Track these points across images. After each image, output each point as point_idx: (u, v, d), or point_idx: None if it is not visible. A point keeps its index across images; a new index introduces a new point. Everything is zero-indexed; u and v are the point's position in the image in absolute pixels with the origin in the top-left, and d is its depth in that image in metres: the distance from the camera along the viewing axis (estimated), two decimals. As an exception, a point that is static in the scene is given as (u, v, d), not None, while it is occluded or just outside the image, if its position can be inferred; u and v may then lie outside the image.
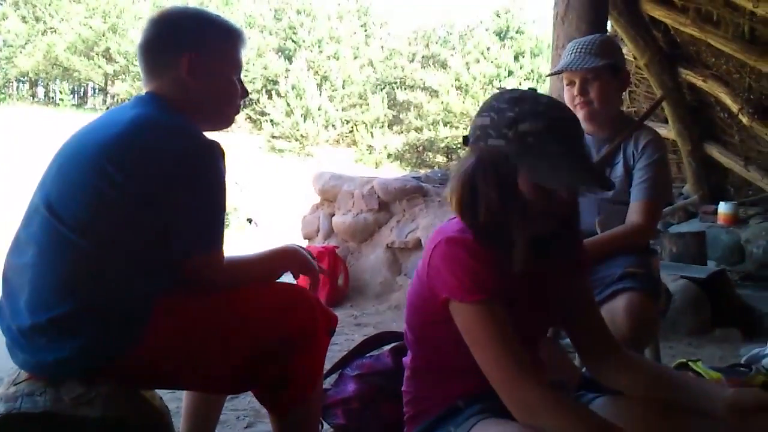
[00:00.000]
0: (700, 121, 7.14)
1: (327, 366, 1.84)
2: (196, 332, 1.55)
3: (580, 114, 2.27)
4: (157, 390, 1.71)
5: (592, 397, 1.50)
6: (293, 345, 1.65)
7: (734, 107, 6.47)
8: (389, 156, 28.98)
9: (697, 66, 6.66)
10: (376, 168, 26.29)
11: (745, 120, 6.44)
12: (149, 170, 1.48)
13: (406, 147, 29.71)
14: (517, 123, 1.29)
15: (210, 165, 1.54)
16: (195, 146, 1.53)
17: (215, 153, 1.54)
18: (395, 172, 22.73)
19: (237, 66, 1.73)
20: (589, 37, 2.34)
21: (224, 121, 1.75)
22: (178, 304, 1.54)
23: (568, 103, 2.29)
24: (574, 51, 2.28)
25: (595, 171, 1.36)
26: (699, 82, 6.68)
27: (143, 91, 1.69)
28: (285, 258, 1.84)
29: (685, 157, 7.35)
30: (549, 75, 2.63)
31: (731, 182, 7.39)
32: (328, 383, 2.12)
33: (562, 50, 4.37)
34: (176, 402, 2.16)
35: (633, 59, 6.79)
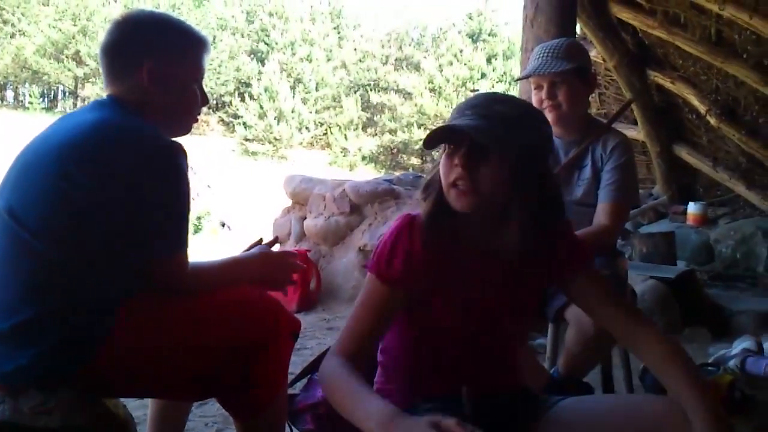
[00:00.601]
0: (668, 122, 7.21)
1: (295, 370, 1.83)
2: (157, 339, 1.53)
3: (549, 117, 2.27)
4: (124, 397, 1.69)
5: (557, 400, 1.49)
6: (255, 350, 1.64)
7: (702, 108, 6.54)
8: (363, 158, 28.99)
9: (665, 68, 6.73)
10: (350, 170, 26.27)
11: (712, 121, 6.51)
12: (111, 173, 1.46)
13: (381, 149, 29.74)
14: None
15: (172, 166, 1.52)
16: (156, 148, 1.51)
17: (177, 154, 1.53)
18: (369, 174, 22.74)
19: (198, 73, 1.73)
20: (556, 41, 2.36)
21: (182, 128, 1.74)
22: (140, 310, 1.52)
23: (536, 106, 2.30)
24: (541, 55, 2.29)
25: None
26: (667, 83, 6.75)
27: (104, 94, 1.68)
28: (256, 265, 1.82)
29: (654, 158, 7.42)
30: (518, 80, 2.64)
31: (700, 183, 7.48)
32: (297, 388, 2.11)
33: (531, 53, 4.43)
34: (144, 409, 2.13)
35: (602, 61, 6.85)
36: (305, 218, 5.34)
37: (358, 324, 1.41)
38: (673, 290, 4.16)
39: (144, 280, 1.53)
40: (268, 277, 1.84)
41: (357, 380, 1.31)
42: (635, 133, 7.48)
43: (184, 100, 1.70)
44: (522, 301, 1.54)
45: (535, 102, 2.34)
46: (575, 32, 4.78)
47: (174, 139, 1.58)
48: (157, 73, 1.62)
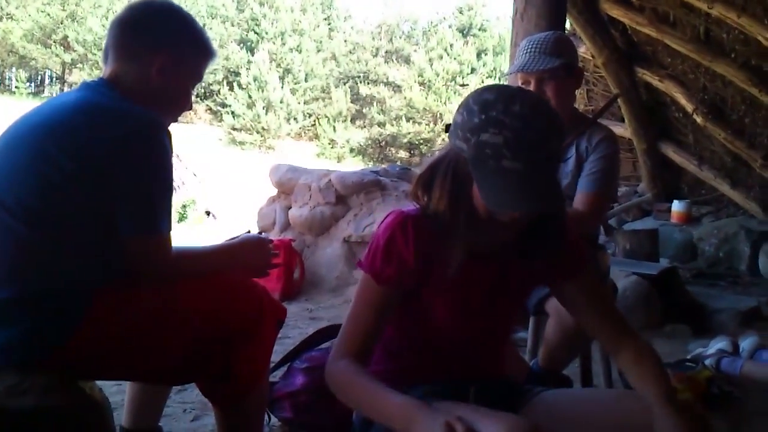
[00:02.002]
0: (655, 120, 7.25)
1: (276, 359, 1.82)
2: (136, 323, 1.52)
3: None
4: (104, 381, 1.68)
5: (538, 391, 1.50)
6: (238, 338, 1.63)
7: (689, 107, 6.58)
8: (351, 151, 28.94)
9: (653, 66, 6.76)
10: (338, 162, 26.21)
11: (699, 120, 6.55)
12: (94, 153, 1.45)
13: (369, 142, 29.69)
14: (480, 131, 1.24)
15: (154, 145, 1.51)
16: (139, 126, 1.50)
17: (160, 132, 1.52)
18: (357, 167, 22.70)
19: (198, 79, 1.74)
20: (543, 35, 2.32)
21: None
22: (119, 294, 1.51)
23: None
24: (529, 50, 2.26)
25: (541, 198, 1.27)
26: (655, 81, 6.78)
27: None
28: (238, 252, 1.81)
29: (640, 155, 7.46)
30: (505, 75, 2.59)
31: (685, 181, 7.53)
32: (276, 376, 2.10)
33: (518, 47, 4.43)
34: (122, 395, 2.11)
35: (591, 58, 6.87)
36: (290, 208, 5.31)
37: (358, 324, 1.40)
38: (656, 287, 4.18)
39: (126, 264, 1.51)
40: (250, 262, 1.83)
41: (370, 378, 1.31)
42: (622, 130, 7.51)
43: (176, 99, 1.71)
44: (514, 299, 1.54)
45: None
46: (565, 27, 4.77)
47: None
48: (167, 69, 1.62)
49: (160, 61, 1.60)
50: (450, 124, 1.35)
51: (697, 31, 5.90)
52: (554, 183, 1.31)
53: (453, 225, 1.33)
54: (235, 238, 1.87)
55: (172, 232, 1.57)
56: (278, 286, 4.68)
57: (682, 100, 6.63)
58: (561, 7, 4.29)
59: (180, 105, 1.72)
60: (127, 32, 1.63)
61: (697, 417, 1.28)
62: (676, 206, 6.68)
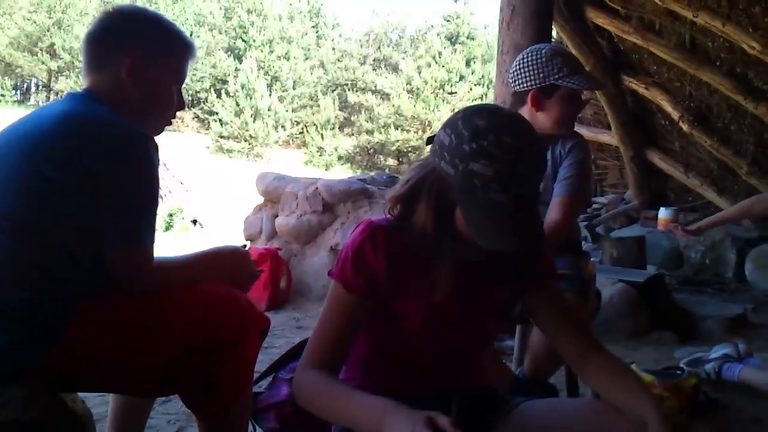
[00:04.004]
0: (642, 128, 7.29)
1: (262, 369, 1.80)
2: (119, 335, 1.49)
3: (568, 126, 2.33)
4: (88, 393, 1.66)
5: (518, 402, 1.48)
6: (221, 349, 1.60)
7: (675, 115, 6.62)
8: (340, 158, 28.95)
9: (639, 73, 6.80)
10: (326, 170, 26.22)
11: (685, 127, 6.59)
12: (80, 164, 1.43)
13: (357, 149, 29.73)
14: (469, 160, 1.22)
15: (138, 156, 1.49)
16: (125, 138, 1.48)
17: (147, 145, 1.50)
18: (345, 174, 22.69)
19: (179, 77, 1.71)
20: (563, 48, 2.35)
21: (152, 128, 1.70)
22: (101, 305, 1.48)
23: (565, 116, 2.30)
24: (579, 66, 2.29)
25: (527, 237, 1.27)
26: (641, 89, 6.82)
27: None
28: (218, 260, 1.79)
29: (627, 163, 7.50)
30: (582, 89, 2.41)
31: (672, 188, 7.56)
32: (261, 387, 2.07)
33: (507, 55, 4.42)
34: (106, 406, 2.09)
35: (578, 65, 6.89)
36: (277, 216, 5.28)
37: (327, 333, 1.38)
38: (642, 294, 4.18)
39: (108, 275, 1.49)
40: (228, 272, 1.81)
41: (340, 384, 1.31)
42: (609, 137, 7.55)
43: (159, 101, 1.68)
44: (487, 309, 1.53)
45: (566, 113, 2.29)
46: (551, 36, 4.78)
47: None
48: (137, 70, 1.59)
49: (127, 64, 1.58)
50: (432, 137, 1.34)
51: (683, 39, 5.94)
52: (538, 219, 1.31)
53: (437, 246, 1.33)
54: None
55: (155, 244, 1.55)
56: (265, 296, 4.65)
57: (668, 108, 6.67)
58: (547, 16, 4.30)
59: (164, 104, 1.70)
60: (92, 43, 1.63)
61: None
62: (663, 213, 6.68)
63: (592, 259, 2.75)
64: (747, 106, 5.75)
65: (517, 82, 2.27)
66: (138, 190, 1.50)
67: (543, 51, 2.24)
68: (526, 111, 2.27)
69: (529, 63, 2.23)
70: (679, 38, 5.96)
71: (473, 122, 1.25)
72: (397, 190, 1.38)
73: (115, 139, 1.47)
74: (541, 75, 2.21)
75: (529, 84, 2.24)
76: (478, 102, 26.27)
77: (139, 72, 1.60)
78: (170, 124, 1.79)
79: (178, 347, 1.56)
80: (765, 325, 4.37)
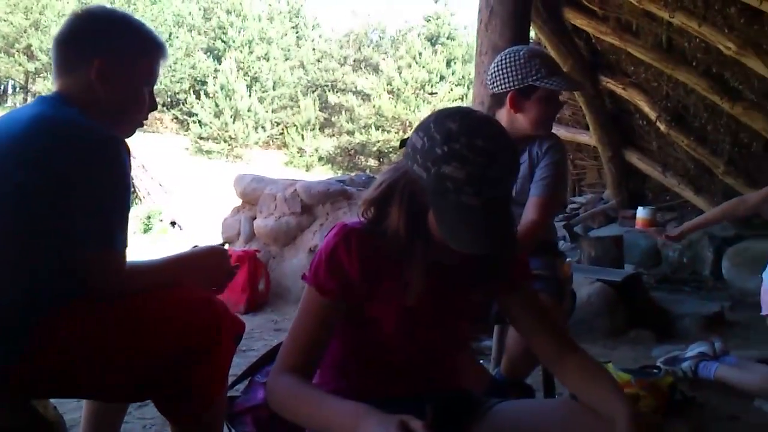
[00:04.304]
0: (620, 128, 7.34)
1: (239, 372, 1.78)
2: (91, 340, 1.47)
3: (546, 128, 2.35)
4: (57, 398, 1.64)
5: (493, 404, 1.48)
6: (195, 354, 1.58)
7: (652, 115, 6.66)
8: (320, 159, 28.89)
9: (617, 74, 6.83)
10: (306, 171, 26.15)
11: (662, 127, 6.63)
12: (51, 168, 1.41)
13: (338, 150, 29.68)
14: (441, 163, 1.21)
15: (112, 161, 1.47)
16: (96, 142, 1.47)
17: (118, 148, 1.48)
18: (326, 175, 22.64)
19: (150, 78, 1.69)
20: (541, 50, 2.37)
21: (124, 130, 1.68)
22: (73, 310, 1.46)
23: (543, 118, 2.32)
24: (557, 67, 2.30)
25: (498, 237, 1.27)
26: (619, 89, 6.86)
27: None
28: (195, 261, 1.78)
29: (605, 163, 7.54)
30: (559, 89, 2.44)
31: (649, 187, 7.62)
32: (238, 390, 2.06)
33: (486, 56, 4.43)
34: (80, 411, 2.06)
35: (556, 66, 6.91)
36: (255, 218, 5.26)
37: (301, 337, 1.38)
38: (620, 293, 4.21)
39: (81, 281, 1.47)
40: (206, 274, 1.79)
41: (313, 388, 1.30)
42: (587, 138, 7.59)
43: (130, 103, 1.67)
44: (461, 311, 1.52)
45: (544, 114, 2.30)
46: (529, 37, 4.80)
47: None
48: (107, 72, 1.58)
49: (96, 66, 1.57)
50: (406, 140, 1.33)
51: (660, 39, 5.97)
52: (511, 222, 1.30)
53: (410, 248, 1.32)
54: (195, 247, 1.84)
55: (128, 248, 1.54)
56: (243, 298, 4.63)
57: (646, 108, 6.72)
58: (525, 17, 4.32)
59: (138, 108, 1.68)
60: (61, 45, 1.62)
61: None
62: (641, 213, 6.72)
63: (568, 259, 2.75)
64: (723, 106, 5.79)
65: (495, 84, 2.27)
66: (110, 194, 1.48)
67: (521, 52, 2.25)
68: (504, 112, 2.28)
69: (508, 64, 2.24)
70: (656, 39, 5.99)
71: (445, 125, 1.24)
72: (370, 194, 1.37)
73: (86, 142, 1.46)
74: (520, 76, 2.22)
75: (507, 85, 2.24)
76: (457, 103, 26.30)
77: (110, 74, 1.59)
78: (143, 125, 1.78)
79: (150, 353, 1.54)
80: (741, 322, 4.41)
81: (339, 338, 1.45)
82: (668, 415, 2.73)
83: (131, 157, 1.53)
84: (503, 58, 2.27)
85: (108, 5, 1.75)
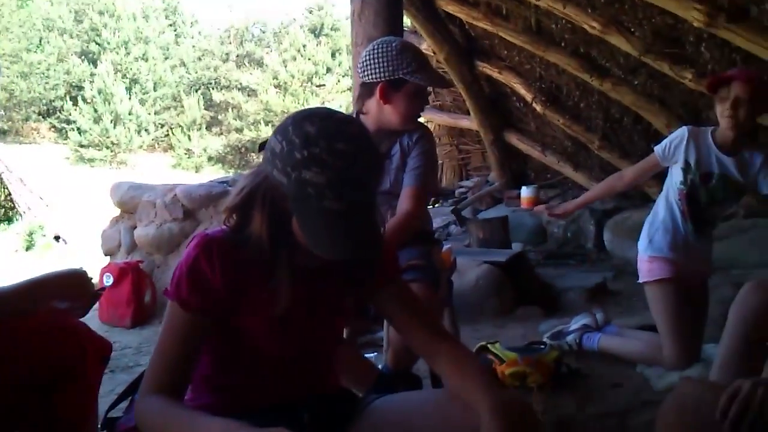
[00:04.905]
0: (499, 111, 7.52)
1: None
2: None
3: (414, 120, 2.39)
4: None
5: (372, 399, 1.48)
6: (58, 381, 1.52)
7: (528, 96, 6.86)
8: (210, 159, 28.22)
9: (492, 58, 6.99)
10: (196, 172, 25.50)
11: (538, 108, 6.84)
12: None
13: (228, 149, 29.06)
14: (301, 168, 1.18)
15: None
16: None
17: None
18: (217, 176, 22.15)
19: None
20: (412, 44, 2.38)
21: None
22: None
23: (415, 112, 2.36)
24: (426, 61, 2.31)
25: (361, 242, 1.26)
26: (495, 73, 7.02)
27: None
28: (54, 285, 1.68)
29: (488, 146, 7.72)
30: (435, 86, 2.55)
31: (531, 167, 7.85)
32: (120, 410, 1.98)
33: (362, 47, 4.41)
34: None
35: (433, 54, 7.00)
36: (135, 227, 5.06)
37: (167, 356, 1.33)
38: (506, 273, 4.31)
39: None
40: (72, 296, 1.70)
41: (182, 409, 1.26)
42: (469, 123, 7.74)
43: None
44: (334, 312, 1.51)
45: (412, 108, 2.34)
46: (403, 25, 4.82)
47: None
48: None
49: None
50: (264, 143, 1.29)
51: (529, 22, 6.14)
52: (375, 226, 1.29)
53: (274, 256, 1.30)
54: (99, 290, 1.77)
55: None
56: (129, 312, 4.46)
57: (522, 90, 6.90)
58: (398, 6, 4.33)
59: None
60: None
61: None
62: (525, 192, 6.92)
63: (447, 246, 2.79)
64: (593, 83, 6.02)
65: (366, 73, 2.28)
66: None
67: (394, 44, 2.27)
68: (374, 102, 2.30)
69: (380, 55, 2.25)
70: (525, 22, 6.15)
71: (304, 128, 1.21)
72: (231, 200, 1.34)
73: None
74: (391, 68, 2.24)
75: (378, 76, 2.26)
76: (346, 95, 26.33)
77: None
78: None
79: (10, 383, 1.46)
80: (624, 291, 4.61)
81: (208, 351, 1.41)
82: (556, 388, 2.82)
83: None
84: (375, 47, 2.28)
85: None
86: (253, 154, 29.18)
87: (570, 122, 6.74)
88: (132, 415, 2.09)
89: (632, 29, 5.11)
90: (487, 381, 1.33)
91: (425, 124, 2.54)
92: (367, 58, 2.28)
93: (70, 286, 1.72)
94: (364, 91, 2.34)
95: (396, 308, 1.49)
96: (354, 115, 2.37)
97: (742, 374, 1.60)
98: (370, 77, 2.28)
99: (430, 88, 2.65)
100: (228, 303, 1.33)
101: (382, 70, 2.25)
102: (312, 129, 1.21)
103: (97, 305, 4.51)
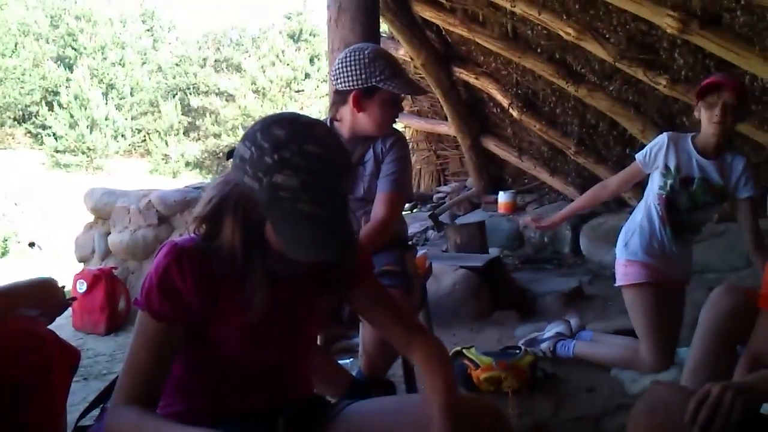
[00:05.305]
0: (476, 116, 7.54)
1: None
2: None
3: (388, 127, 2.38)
4: None
5: (343, 406, 1.48)
6: (25, 390, 1.49)
7: (505, 102, 6.88)
8: (188, 164, 28.04)
9: (469, 64, 7.01)
10: (173, 178, 25.33)
11: (515, 114, 6.86)
12: None
13: (206, 154, 28.89)
14: (273, 172, 1.18)
15: None
16: None
17: None
18: (195, 181, 22.01)
19: None
20: (385, 51, 2.37)
21: None
22: None
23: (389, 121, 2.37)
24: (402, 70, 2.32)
25: (338, 243, 1.25)
26: (472, 79, 7.04)
27: None
28: (23, 294, 1.66)
29: (465, 151, 7.73)
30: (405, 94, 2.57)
31: (508, 172, 7.88)
32: (92, 418, 1.96)
33: (338, 53, 4.38)
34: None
35: (410, 59, 7.02)
36: (109, 234, 5.01)
37: (138, 366, 1.31)
38: (483, 277, 4.32)
39: None
40: (41, 305, 1.68)
41: (154, 419, 1.25)
42: (447, 128, 7.76)
43: None
44: (309, 316, 1.51)
45: (385, 116, 2.33)
46: (379, 31, 4.81)
47: None
48: None
49: None
50: (232, 150, 1.29)
51: (505, 29, 6.16)
52: (350, 226, 1.29)
53: (248, 264, 1.29)
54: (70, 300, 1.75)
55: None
56: (102, 319, 4.41)
57: (498, 96, 6.93)
58: (374, 12, 4.32)
59: None
60: None
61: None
62: (502, 197, 6.95)
63: (422, 252, 2.79)
64: (569, 89, 6.05)
65: (339, 81, 2.27)
66: None
67: (366, 52, 2.25)
68: (347, 110, 2.28)
69: (352, 63, 2.24)
70: (502, 28, 6.17)
71: (273, 133, 1.21)
72: (200, 210, 1.32)
73: None
74: (364, 76, 2.22)
75: (351, 83, 2.24)
76: (324, 100, 26.29)
77: None
78: None
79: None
80: (600, 295, 4.63)
81: (181, 358, 1.39)
82: (532, 392, 2.84)
83: None
84: (348, 55, 2.26)
85: None
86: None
87: (546, 128, 6.76)
88: (103, 423, 2.07)
89: (607, 35, 5.14)
90: (445, 381, 1.35)
91: (402, 129, 2.53)
92: (340, 66, 2.26)
93: (40, 295, 1.71)
94: (338, 98, 2.32)
95: (372, 306, 1.51)
96: (328, 123, 2.36)
97: (712, 378, 1.61)
98: (343, 85, 2.26)
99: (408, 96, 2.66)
100: (200, 312, 1.32)
101: (355, 78, 2.23)
102: (281, 133, 1.21)
103: (70, 312, 4.46)
